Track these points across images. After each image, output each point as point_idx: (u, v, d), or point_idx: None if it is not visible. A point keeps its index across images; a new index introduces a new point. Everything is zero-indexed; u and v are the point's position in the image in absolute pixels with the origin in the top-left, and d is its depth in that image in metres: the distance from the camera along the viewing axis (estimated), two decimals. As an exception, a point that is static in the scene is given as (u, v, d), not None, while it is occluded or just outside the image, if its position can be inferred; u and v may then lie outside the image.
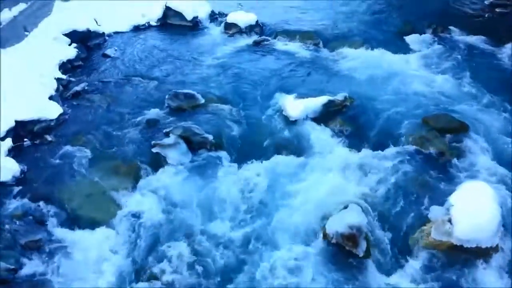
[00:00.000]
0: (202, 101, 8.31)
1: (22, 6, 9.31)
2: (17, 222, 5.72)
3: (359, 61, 9.76)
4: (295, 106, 7.91)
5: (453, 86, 8.68)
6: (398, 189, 6.23)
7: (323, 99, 7.99)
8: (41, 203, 6.02)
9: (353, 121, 7.73)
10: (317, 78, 9.28)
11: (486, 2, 13.11)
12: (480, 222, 5.30)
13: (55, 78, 8.67)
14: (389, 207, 6.01)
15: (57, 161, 6.82)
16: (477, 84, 8.66)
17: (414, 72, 9.20)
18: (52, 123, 7.61)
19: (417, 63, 9.59)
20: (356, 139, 7.31)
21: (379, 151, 6.97)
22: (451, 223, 5.41)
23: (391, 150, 6.97)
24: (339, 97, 8.15)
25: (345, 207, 5.84)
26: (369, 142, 7.23)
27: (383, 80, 8.92)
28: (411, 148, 6.96)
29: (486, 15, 12.30)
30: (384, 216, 5.91)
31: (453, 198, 5.63)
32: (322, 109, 7.87)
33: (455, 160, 6.69)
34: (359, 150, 7.01)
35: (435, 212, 5.73)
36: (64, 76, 9.01)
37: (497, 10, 12.46)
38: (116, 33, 11.40)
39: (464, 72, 9.15)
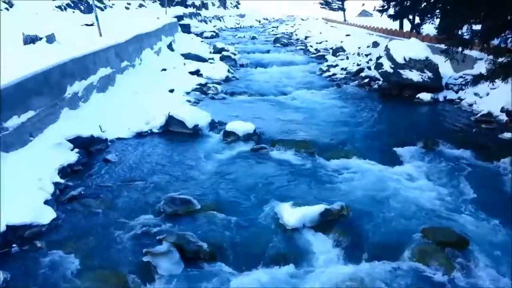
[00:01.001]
0: (198, 206, 8.27)
1: (30, 113, 9.75)
2: None
3: (353, 170, 9.99)
4: (291, 214, 7.83)
5: (447, 198, 8.73)
6: (401, 308, 5.89)
7: (320, 208, 7.93)
8: (19, 318, 5.60)
9: (350, 231, 7.59)
10: (313, 187, 9.37)
11: (472, 118, 14.06)
12: None
13: (53, 183, 8.71)
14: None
15: (44, 269, 6.49)
16: (471, 197, 8.74)
17: (408, 184, 9.34)
18: (44, 229, 7.44)
19: (410, 175, 9.78)
20: (354, 251, 7.11)
21: (379, 264, 6.71)
22: None
23: (391, 263, 6.72)
24: (336, 206, 8.13)
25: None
26: (367, 254, 7.00)
27: (378, 190, 9.01)
28: (411, 261, 6.72)
29: (473, 130, 13.00)
30: None
31: (460, 320, 5.30)
32: (319, 218, 7.78)
33: (457, 276, 6.42)
34: (357, 263, 6.77)
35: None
36: (62, 181, 9.07)
37: (483, 126, 13.25)
38: (119, 139, 11.87)
39: (456, 185, 9.30)
